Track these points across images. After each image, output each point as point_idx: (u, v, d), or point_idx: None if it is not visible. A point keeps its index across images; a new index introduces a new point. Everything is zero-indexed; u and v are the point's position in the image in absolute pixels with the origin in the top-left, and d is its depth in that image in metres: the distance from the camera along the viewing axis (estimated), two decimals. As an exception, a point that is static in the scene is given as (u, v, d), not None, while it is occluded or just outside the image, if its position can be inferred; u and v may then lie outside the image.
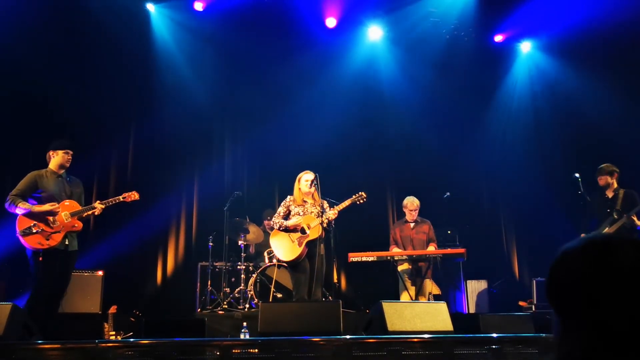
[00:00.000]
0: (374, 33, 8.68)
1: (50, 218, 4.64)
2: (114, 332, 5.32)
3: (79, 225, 4.80)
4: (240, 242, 7.05)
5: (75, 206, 4.84)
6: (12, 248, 6.62)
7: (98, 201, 4.96)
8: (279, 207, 5.65)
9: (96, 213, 4.90)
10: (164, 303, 7.28)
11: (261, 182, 8.38)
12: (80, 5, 7.26)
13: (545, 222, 7.94)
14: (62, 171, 4.90)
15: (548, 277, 0.99)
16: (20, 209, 4.58)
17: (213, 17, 7.96)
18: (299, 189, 5.54)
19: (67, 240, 4.72)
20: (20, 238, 4.58)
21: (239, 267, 6.86)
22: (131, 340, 4.48)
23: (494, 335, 3.94)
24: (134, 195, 5.15)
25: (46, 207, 4.61)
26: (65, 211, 4.75)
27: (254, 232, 7.23)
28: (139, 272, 7.55)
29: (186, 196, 8.19)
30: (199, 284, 7.11)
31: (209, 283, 6.82)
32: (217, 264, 7.03)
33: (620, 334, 0.88)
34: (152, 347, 3.36)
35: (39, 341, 3.74)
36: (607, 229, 5.70)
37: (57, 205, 4.66)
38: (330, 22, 8.34)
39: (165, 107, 7.85)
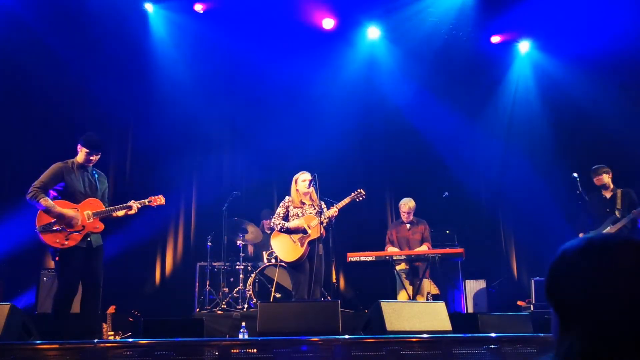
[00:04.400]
0: (373, 33, 8.69)
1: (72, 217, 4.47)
2: (112, 332, 5.31)
3: (100, 226, 4.59)
4: (238, 242, 7.05)
5: (99, 205, 4.61)
6: (10, 248, 6.63)
7: (133, 201, 4.76)
8: (277, 207, 5.65)
9: (119, 214, 4.69)
10: (163, 303, 7.27)
11: (259, 182, 8.38)
12: (77, 6, 7.25)
13: (544, 221, 7.95)
14: (89, 165, 4.67)
15: (547, 276, 0.99)
16: (41, 205, 4.36)
17: (212, 18, 7.95)
18: (297, 189, 5.53)
19: (89, 238, 4.51)
20: (39, 234, 4.39)
21: (237, 267, 6.86)
22: (130, 340, 4.47)
23: (493, 334, 3.95)
24: (160, 200, 4.95)
25: (69, 212, 4.41)
26: (88, 210, 4.51)
27: (252, 232, 7.23)
28: (137, 272, 7.55)
29: (185, 196, 8.18)
30: (197, 284, 7.11)
31: (208, 283, 6.82)
32: (215, 263, 7.02)
33: (618, 332, 0.88)
34: (150, 347, 3.36)
35: (38, 341, 3.73)
36: (609, 228, 5.74)
37: (78, 215, 4.46)
38: (328, 24, 8.34)
39: (163, 107, 7.84)
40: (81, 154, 4.62)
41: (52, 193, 4.52)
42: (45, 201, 4.38)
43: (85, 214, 4.51)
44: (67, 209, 4.44)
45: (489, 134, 8.77)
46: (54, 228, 4.37)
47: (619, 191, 5.88)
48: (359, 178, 8.10)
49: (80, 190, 4.57)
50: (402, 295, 6.30)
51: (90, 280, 4.56)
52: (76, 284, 4.48)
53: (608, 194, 5.96)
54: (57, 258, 4.39)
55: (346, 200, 5.50)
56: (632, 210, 5.69)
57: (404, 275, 6.44)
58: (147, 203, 4.88)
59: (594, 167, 6.09)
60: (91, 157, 4.62)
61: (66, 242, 4.38)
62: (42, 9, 7.11)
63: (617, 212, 5.75)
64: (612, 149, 7.46)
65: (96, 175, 4.77)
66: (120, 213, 4.69)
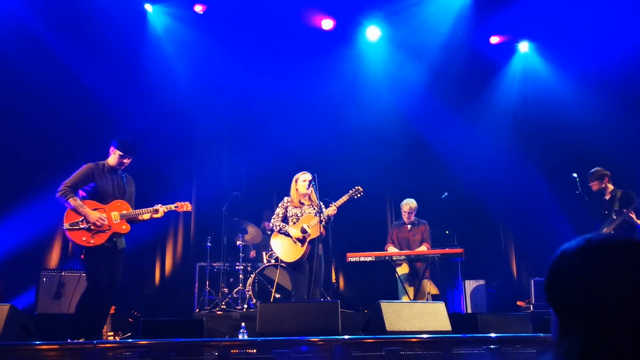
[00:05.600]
0: (372, 34, 8.68)
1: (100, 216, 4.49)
2: (112, 333, 5.31)
3: (127, 227, 4.61)
4: (238, 243, 7.05)
5: (127, 207, 4.65)
6: (10, 248, 6.62)
7: (160, 205, 4.80)
8: (276, 207, 5.65)
9: (145, 217, 4.72)
10: (162, 303, 7.27)
11: (259, 183, 8.37)
12: (76, 5, 7.24)
13: (543, 221, 7.95)
14: (120, 168, 4.72)
15: (547, 276, 0.99)
16: (70, 204, 4.39)
17: (211, 20, 7.95)
18: (296, 189, 5.53)
19: (114, 239, 4.54)
20: (66, 232, 4.44)
21: (237, 267, 6.86)
22: (129, 340, 4.47)
23: (492, 335, 3.96)
24: (186, 206, 5.01)
25: (94, 214, 4.42)
26: (115, 211, 4.56)
27: (252, 233, 7.23)
28: (137, 272, 7.53)
29: (184, 196, 8.13)
30: (197, 284, 7.10)
31: (207, 283, 6.82)
32: (215, 264, 7.02)
33: (618, 332, 0.88)
34: (150, 348, 3.36)
35: (37, 341, 3.74)
36: (605, 229, 5.74)
37: (104, 217, 4.46)
38: (327, 24, 8.34)
39: (163, 107, 7.84)
40: (114, 156, 4.67)
41: (81, 193, 4.55)
42: (74, 201, 4.42)
43: (113, 214, 4.54)
44: (92, 212, 4.45)
45: (488, 134, 8.76)
46: (81, 226, 4.40)
47: (618, 192, 5.89)
48: (358, 178, 8.03)
49: (109, 191, 4.60)
50: (404, 300, 6.29)
51: (108, 283, 4.52)
52: (105, 281, 4.42)
53: (607, 197, 5.97)
54: (82, 256, 4.40)
55: (344, 198, 5.50)
56: (628, 208, 5.69)
57: (407, 282, 6.43)
58: (173, 208, 4.94)
59: (590, 172, 6.11)
60: (123, 160, 4.68)
61: (92, 241, 4.41)
62: (41, 9, 7.09)
63: (613, 214, 5.75)
64: (610, 149, 7.45)
65: (124, 179, 4.81)
66: (146, 216, 4.74)
